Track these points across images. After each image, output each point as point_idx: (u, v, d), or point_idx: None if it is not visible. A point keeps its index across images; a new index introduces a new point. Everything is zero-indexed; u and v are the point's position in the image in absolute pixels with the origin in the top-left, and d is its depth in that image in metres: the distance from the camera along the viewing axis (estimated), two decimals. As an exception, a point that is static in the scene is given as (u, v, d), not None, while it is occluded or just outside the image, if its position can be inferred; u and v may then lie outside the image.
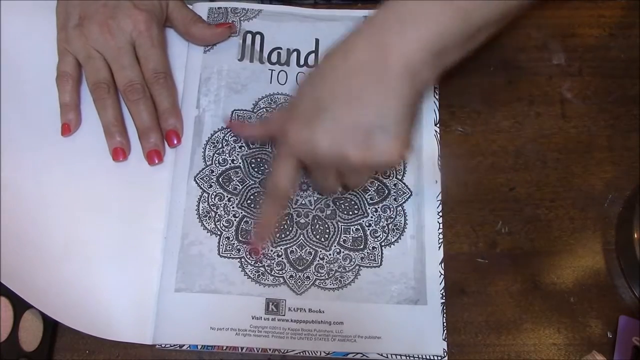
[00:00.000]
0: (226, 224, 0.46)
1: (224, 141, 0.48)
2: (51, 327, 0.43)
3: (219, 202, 0.46)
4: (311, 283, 0.44)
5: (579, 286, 0.45)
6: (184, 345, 0.43)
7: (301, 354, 0.43)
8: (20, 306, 0.41)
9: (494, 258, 0.47)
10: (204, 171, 0.47)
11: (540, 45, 0.53)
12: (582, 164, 0.49)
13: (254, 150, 0.48)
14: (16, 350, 0.40)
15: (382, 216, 0.46)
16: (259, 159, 0.47)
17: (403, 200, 0.47)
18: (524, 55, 0.52)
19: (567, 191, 0.48)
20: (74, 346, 0.44)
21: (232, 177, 0.47)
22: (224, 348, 0.43)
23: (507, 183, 0.49)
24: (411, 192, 0.47)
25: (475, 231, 0.47)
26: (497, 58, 0.52)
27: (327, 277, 0.44)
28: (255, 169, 0.47)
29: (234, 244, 0.45)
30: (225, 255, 0.45)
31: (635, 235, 0.45)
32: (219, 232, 0.45)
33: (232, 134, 0.48)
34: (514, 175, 0.49)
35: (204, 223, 0.45)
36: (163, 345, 0.43)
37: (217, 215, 0.46)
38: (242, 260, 0.45)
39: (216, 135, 0.48)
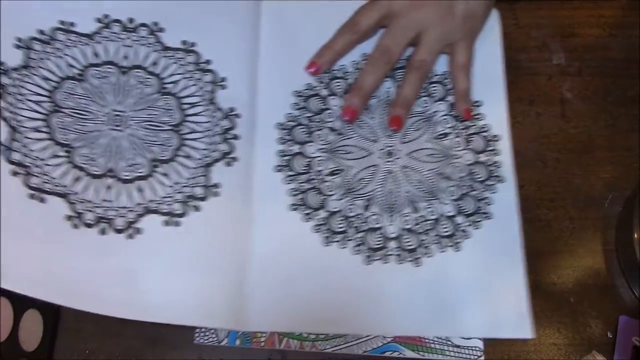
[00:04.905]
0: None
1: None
2: (51, 327, 0.43)
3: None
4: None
5: (579, 286, 0.45)
6: (222, 340, 0.43)
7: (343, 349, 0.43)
8: (20, 306, 0.41)
9: (493, 258, 0.47)
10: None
11: (540, 45, 0.53)
12: (582, 164, 0.49)
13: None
14: (16, 350, 0.40)
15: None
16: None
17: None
18: (524, 55, 0.52)
19: (567, 191, 0.48)
20: (74, 346, 0.44)
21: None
22: (262, 345, 0.43)
23: (507, 183, 0.49)
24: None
25: (475, 231, 0.47)
26: (497, 58, 0.52)
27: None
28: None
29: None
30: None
31: (635, 235, 0.45)
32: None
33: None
34: (514, 175, 0.49)
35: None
36: (201, 342, 0.43)
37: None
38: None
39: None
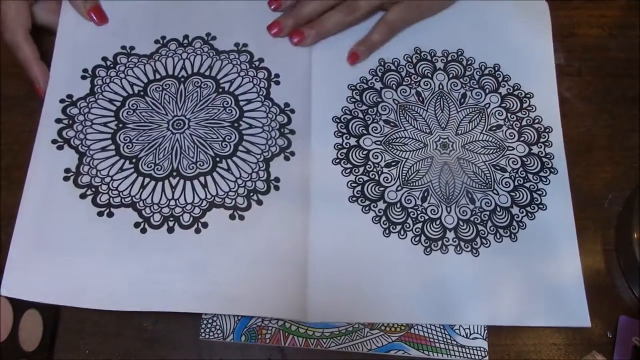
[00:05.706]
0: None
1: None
2: (51, 327, 0.43)
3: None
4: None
5: (579, 286, 0.45)
6: (227, 337, 0.43)
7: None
8: (20, 306, 0.41)
9: (494, 258, 0.46)
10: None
11: (540, 45, 0.53)
12: (582, 164, 0.49)
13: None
14: (16, 350, 0.40)
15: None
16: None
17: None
18: (524, 55, 0.52)
19: (567, 191, 0.48)
20: (74, 346, 0.44)
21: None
22: (267, 341, 0.43)
23: (507, 183, 0.49)
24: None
25: (475, 231, 0.47)
26: (497, 58, 0.52)
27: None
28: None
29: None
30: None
31: (635, 235, 0.45)
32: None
33: None
34: (514, 175, 0.49)
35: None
36: (207, 338, 0.43)
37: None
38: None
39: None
